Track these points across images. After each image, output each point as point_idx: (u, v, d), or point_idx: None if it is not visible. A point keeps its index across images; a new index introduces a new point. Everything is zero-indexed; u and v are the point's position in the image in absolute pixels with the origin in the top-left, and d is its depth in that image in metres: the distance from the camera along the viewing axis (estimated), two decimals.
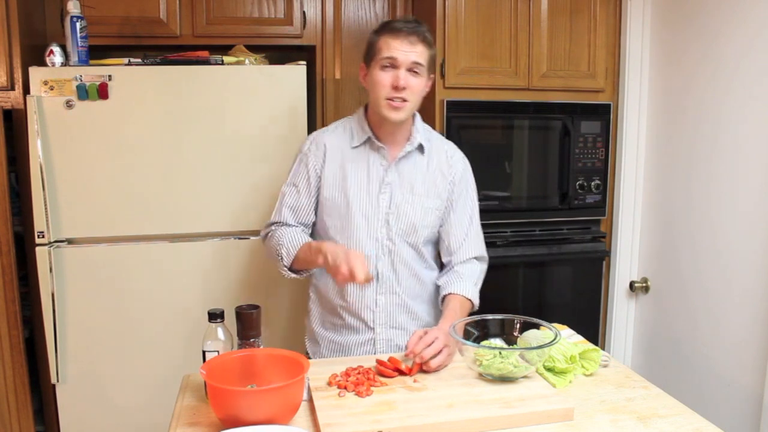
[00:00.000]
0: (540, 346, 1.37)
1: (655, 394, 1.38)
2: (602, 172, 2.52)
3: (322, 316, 1.71)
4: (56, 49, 2.04)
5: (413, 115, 1.63)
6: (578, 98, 2.48)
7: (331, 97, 2.60)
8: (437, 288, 1.70)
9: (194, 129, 2.13)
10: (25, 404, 2.18)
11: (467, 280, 1.65)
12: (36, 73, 2.01)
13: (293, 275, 1.61)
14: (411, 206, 1.61)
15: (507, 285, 2.49)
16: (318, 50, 2.57)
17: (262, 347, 1.33)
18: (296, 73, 2.19)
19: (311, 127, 2.49)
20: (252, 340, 1.31)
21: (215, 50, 2.31)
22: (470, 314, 1.60)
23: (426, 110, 2.44)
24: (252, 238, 2.23)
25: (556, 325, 1.60)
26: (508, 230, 2.46)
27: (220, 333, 1.31)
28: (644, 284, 2.55)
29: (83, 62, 2.09)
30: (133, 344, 2.18)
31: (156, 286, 2.18)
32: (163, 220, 2.16)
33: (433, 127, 2.34)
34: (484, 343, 1.47)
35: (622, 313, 2.64)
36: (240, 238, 2.23)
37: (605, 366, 1.52)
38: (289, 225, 1.63)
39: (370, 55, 1.56)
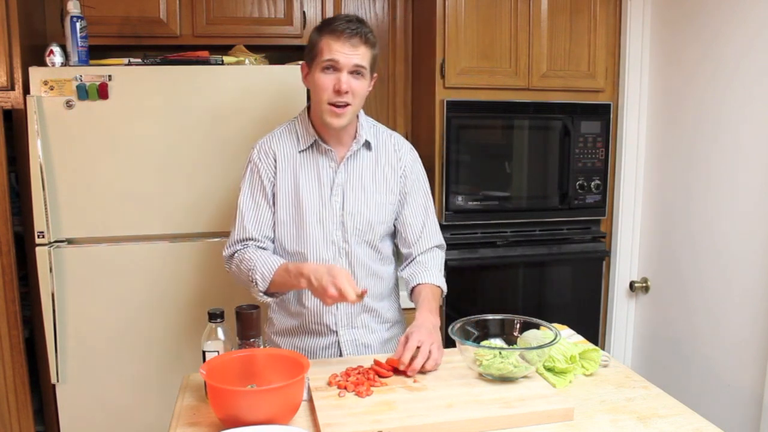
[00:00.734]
0: (540, 346, 1.37)
1: (655, 394, 1.38)
2: (602, 172, 2.53)
3: (282, 322, 1.68)
4: (56, 49, 2.04)
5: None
6: (578, 98, 2.48)
7: None
8: (397, 281, 1.72)
9: (194, 129, 2.13)
10: (25, 404, 2.18)
11: (432, 268, 1.65)
12: (36, 73, 2.01)
13: (268, 299, 1.55)
14: (365, 205, 1.60)
15: (507, 285, 2.49)
16: None
17: (262, 347, 1.33)
18: (296, 73, 2.17)
19: None
20: (252, 340, 1.31)
21: (215, 50, 2.31)
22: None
23: (426, 110, 2.45)
24: None
25: (556, 325, 1.60)
26: (508, 230, 2.46)
27: (220, 333, 1.31)
28: (644, 284, 2.55)
29: (83, 62, 2.09)
30: (133, 344, 2.18)
31: (156, 286, 2.18)
32: (163, 220, 2.16)
33: (434, 128, 2.36)
34: (483, 343, 1.47)
35: (622, 313, 2.64)
36: None
37: (605, 366, 1.52)
38: (255, 239, 1.58)
39: (311, 55, 1.53)
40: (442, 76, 2.34)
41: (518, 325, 1.51)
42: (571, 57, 2.47)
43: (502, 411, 1.24)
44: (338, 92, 1.48)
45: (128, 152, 2.10)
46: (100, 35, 2.27)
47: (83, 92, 2.02)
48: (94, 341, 2.14)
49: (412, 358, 1.38)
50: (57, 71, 2.03)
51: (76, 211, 2.09)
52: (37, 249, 2.05)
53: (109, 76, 2.05)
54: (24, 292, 2.22)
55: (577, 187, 2.50)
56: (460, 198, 2.37)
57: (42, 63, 2.04)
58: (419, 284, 1.62)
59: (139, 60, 2.15)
